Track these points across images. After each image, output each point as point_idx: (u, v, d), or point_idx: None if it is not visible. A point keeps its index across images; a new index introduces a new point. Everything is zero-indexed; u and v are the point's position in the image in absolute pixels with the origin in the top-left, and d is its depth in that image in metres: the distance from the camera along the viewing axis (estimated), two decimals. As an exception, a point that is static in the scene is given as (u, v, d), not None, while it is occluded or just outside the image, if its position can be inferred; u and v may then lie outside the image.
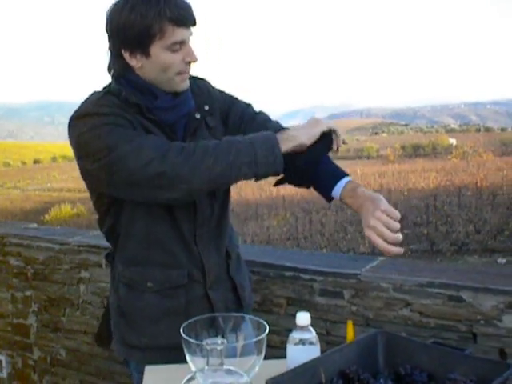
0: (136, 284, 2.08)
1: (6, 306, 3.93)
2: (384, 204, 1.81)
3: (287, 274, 2.81)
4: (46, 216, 33.65)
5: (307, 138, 1.94)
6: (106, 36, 1.94)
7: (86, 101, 1.95)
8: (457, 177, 30.48)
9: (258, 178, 1.90)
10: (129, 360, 2.18)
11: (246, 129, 2.10)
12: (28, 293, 3.81)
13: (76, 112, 1.92)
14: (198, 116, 2.06)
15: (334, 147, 2.03)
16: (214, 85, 2.22)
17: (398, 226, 1.80)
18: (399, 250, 1.82)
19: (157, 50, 1.87)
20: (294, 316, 1.70)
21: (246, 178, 1.90)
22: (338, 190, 1.95)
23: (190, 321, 1.71)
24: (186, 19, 1.87)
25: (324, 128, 1.97)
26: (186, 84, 1.98)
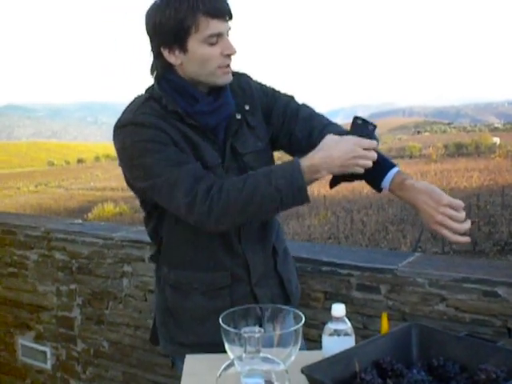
0: (182, 286, 2.12)
1: (51, 299, 4.01)
2: (445, 197, 1.80)
3: (325, 268, 2.84)
4: (90, 214, 34.10)
5: (338, 170, 1.87)
6: (147, 38, 1.98)
7: (128, 107, 2.01)
8: (500, 176, 30.05)
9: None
10: (176, 357, 2.22)
11: (290, 124, 2.11)
12: (72, 286, 3.88)
13: (119, 121, 1.98)
14: (238, 116, 2.06)
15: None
16: (254, 79, 2.21)
17: (463, 215, 1.80)
18: (467, 238, 1.84)
19: (194, 44, 1.89)
20: (331, 310, 1.74)
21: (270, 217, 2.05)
22: (386, 181, 1.91)
23: (228, 311, 1.77)
24: (220, 11, 1.87)
25: (359, 153, 1.84)
26: (229, 77, 1.98)
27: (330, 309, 1.76)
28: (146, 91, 2.05)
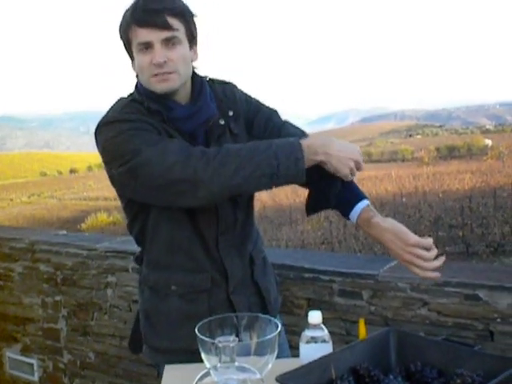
0: (160, 287, 2.11)
1: (37, 311, 4.00)
2: (412, 237, 1.83)
3: (307, 275, 2.83)
4: (83, 224, 33.97)
5: (333, 162, 1.85)
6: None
7: (112, 107, 2.00)
8: (492, 178, 30.11)
9: (276, 186, 1.90)
10: (160, 366, 2.17)
11: (270, 138, 2.05)
12: (58, 298, 3.87)
13: (103, 119, 1.97)
14: (222, 122, 2.05)
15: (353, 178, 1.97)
16: (240, 88, 2.19)
17: (433, 254, 1.83)
18: (437, 274, 1.86)
19: (135, 52, 1.94)
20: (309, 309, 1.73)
21: (266, 188, 1.90)
22: (354, 214, 1.96)
23: (204, 320, 1.75)
24: (148, 20, 1.87)
25: (357, 158, 1.88)
26: (166, 85, 1.94)
27: (309, 316, 1.75)
28: (129, 95, 2.05)
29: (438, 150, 61.00)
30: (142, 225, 2.09)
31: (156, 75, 1.92)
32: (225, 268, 2.08)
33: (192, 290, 2.07)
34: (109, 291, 3.59)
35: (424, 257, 1.82)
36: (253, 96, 2.21)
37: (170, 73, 1.92)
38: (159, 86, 1.94)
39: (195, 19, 1.99)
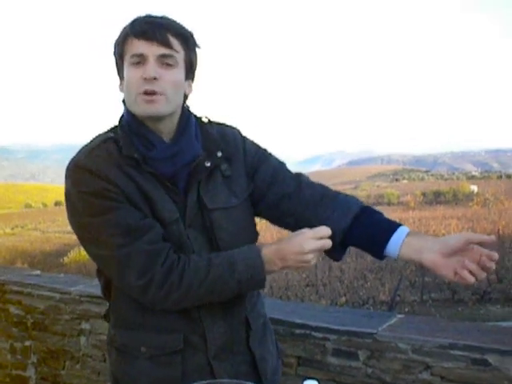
0: (128, 349, 1.89)
1: (5, 356, 3.81)
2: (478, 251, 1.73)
3: (298, 331, 2.67)
4: (66, 258, 33.76)
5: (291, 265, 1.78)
6: None
7: (85, 145, 1.83)
8: (478, 224, 30.24)
9: None
10: None
11: (278, 188, 1.96)
12: (27, 343, 3.69)
13: (71, 160, 1.81)
14: (208, 164, 1.87)
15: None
16: (246, 136, 2.05)
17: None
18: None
19: (126, 67, 1.79)
20: (304, 377, 1.54)
21: None
22: (395, 247, 1.82)
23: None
24: (147, 32, 1.75)
25: (314, 247, 1.76)
26: (151, 108, 1.78)
27: (303, 376, 1.55)
28: (111, 129, 1.88)
29: (424, 194, 61.52)
30: (108, 278, 1.91)
31: (143, 93, 1.76)
32: (203, 328, 1.86)
33: (163, 352, 1.85)
34: (82, 339, 3.41)
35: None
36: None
37: (157, 93, 1.76)
38: (143, 107, 1.78)
39: (198, 51, 1.87)
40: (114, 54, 1.84)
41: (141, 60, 1.75)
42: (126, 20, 1.84)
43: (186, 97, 1.89)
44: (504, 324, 11.05)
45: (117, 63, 1.84)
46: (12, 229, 66.54)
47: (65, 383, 3.51)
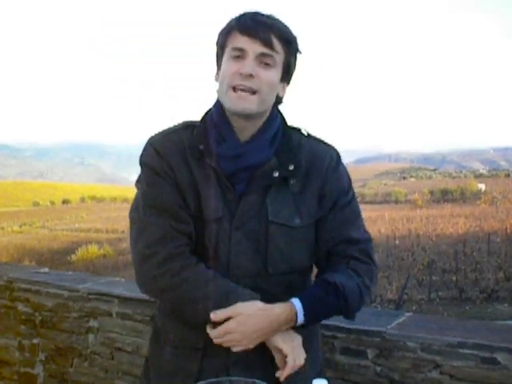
0: (161, 334, 1.98)
1: (13, 353, 3.80)
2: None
3: (306, 329, 2.62)
4: (73, 256, 33.89)
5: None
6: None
7: (168, 128, 1.93)
8: (486, 223, 30.19)
9: None
10: None
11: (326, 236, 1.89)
12: (35, 341, 3.68)
13: (151, 136, 1.92)
14: (276, 174, 1.81)
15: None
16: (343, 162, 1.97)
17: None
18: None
19: (225, 58, 1.82)
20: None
21: None
22: None
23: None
24: (252, 29, 1.77)
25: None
26: (242, 106, 1.77)
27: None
28: (204, 115, 1.93)
29: (431, 193, 61.35)
30: None
31: (236, 89, 1.77)
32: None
33: (186, 344, 1.88)
34: (90, 337, 3.40)
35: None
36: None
37: (252, 92, 1.77)
38: (233, 102, 1.79)
39: (298, 56, 1.88)
40: (217, 43, 1.87)
41: (241, 55, 1.77)
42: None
43: (278, 99, 1.89)
44: (512, 322, 11.01)
45: (217, 53, 1.87)
46: (20, 227, 66.79)
47: (73, 381, 3.51)
